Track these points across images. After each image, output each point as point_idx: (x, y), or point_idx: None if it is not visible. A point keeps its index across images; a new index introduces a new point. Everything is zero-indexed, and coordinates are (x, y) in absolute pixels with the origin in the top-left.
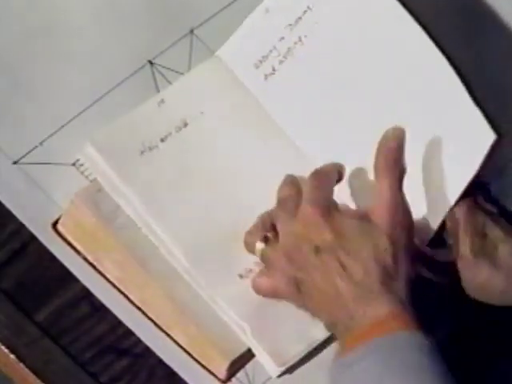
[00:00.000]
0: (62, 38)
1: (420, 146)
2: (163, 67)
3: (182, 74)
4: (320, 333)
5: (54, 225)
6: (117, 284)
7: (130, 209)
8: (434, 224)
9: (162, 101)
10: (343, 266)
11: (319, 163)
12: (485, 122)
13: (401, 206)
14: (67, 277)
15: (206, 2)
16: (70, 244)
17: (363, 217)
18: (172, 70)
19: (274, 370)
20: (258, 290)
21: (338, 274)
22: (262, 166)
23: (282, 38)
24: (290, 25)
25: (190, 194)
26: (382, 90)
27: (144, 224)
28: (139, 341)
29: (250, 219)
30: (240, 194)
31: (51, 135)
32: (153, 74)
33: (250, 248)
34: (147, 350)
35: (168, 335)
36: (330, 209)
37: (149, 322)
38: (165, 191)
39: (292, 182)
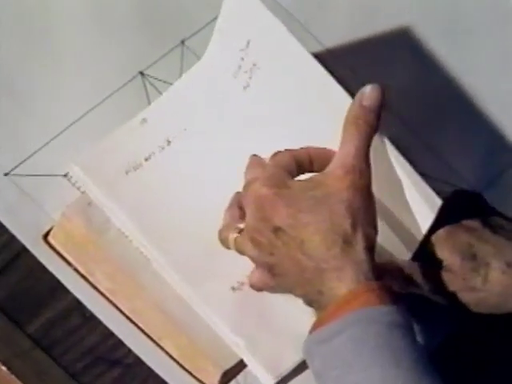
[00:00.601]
0: (53, 50)
1: None
2: (154, 78)
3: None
4: None
5: (45, 236)
6: (108, 295)
7: (120, 224)
8: None
9: (144, 120)
10: (302, 242)
11: None
12: (429, 189)
13: (358, 168)
14: (58, 288)
15: (197, 13)
16: (61, 255)
17: (318, 185)
18: (163, 81)
19: (268, 381)
20: (254, 288)
21: (299, 251)
22: None
23: None
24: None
25: (177, 209)
26: None
27: (134, 238)
28: (130, 351)
29: None
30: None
31: (42, 147)
32: (144, 85)
33: (226, 244)
34: (138, 360)
35: (159, 346)
36: (283, 185)
37: (140, 332)
38: (151, 208)
39: (257, 164)
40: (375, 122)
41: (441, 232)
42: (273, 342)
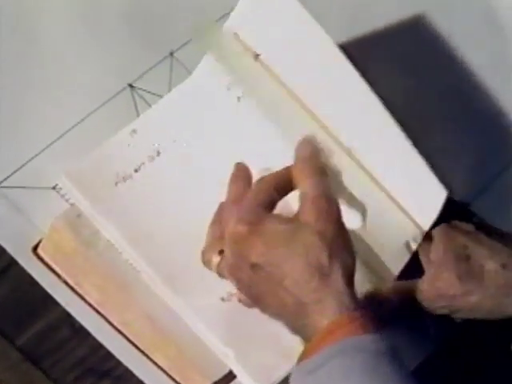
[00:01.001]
0: (42, 61)
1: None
2: (143, 90)
3: (161, 97)
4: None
5: (35, 249)
6: (97, 307)
7: (109, 236)
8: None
9: (134, 131)
10: (281, 278)
11: None
12: (436, 179)
13: (324, 198)
14: (48, 300)
15: (186, 24)
16: (50, 268)
17: (292, 220)
18: (152, 93)
19: None
20: (245, 305)
21: (278, 286)
22: None
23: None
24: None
25: (167, 221)
26: None
27: (123, 250)
28: (120, 363)
29: None
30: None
31: (31, 159)
32: (133, 97)
33: (209, 265)
34: (128, 372)
35: (149, 357)
36: (258, 222)
37: (129, 344)
38: (141, 220)
39: (240, 184)
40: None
41: (435, 232)
42: (262, 353)
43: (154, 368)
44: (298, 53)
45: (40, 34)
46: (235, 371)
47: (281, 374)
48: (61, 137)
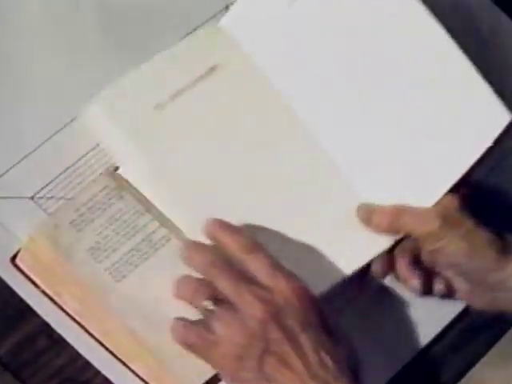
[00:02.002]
0: (19, 71)
1: (429, 123)
2: None
3: None
4: None
5: (13, 259)
6: (76, 317)
7: (134, 170)
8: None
9: (174, 56)
10: None
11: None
12: (499, 102)
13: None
14: (26, 311)
15: (165, 32)
16: (28, 278)
17: None
18: None
19: None
20: None
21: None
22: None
23: None
24: None
25: (200, 156)
26: (392, 74)
27: (148, 186)
28: (99, 372)
29: (258, 183)
30: (249, 158)
31: (9, 169)
32: None
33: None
34: (107, 381)
35: (128, 367)
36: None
37: (108, 353)
38: (172, 150)
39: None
40: None
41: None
42: None
43: (134, 377)
44: None
45: (13, 47)
46: None
47: None
48: (39, 147)
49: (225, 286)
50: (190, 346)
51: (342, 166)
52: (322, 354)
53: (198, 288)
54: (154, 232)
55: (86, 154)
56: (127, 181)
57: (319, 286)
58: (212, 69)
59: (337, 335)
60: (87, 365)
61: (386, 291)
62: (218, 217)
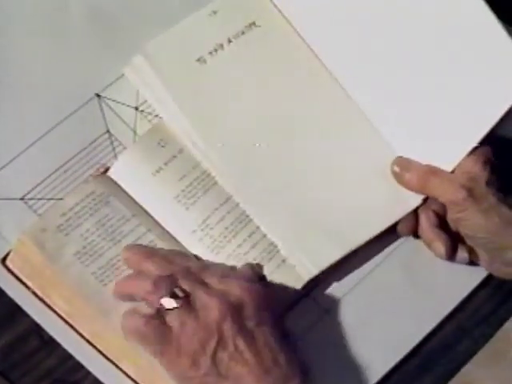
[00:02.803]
0: (8, 72)
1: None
2: (111, 100)
3: (130, 106)
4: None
5: (3, 260)
6: (66, 318)
7: (175, 123)
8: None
9: (214, 12)
10: None
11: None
12: None
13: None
14: (17, 312)
15: (153, 32)
16: (19, 279)
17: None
18: (120, 103)
19: (309, 272)
20: None
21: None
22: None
23: None
24: None
25: (238, 108)
26: (420, 32)
27: (189, 140)
28: (89, 373)
29: (297, 136)
30: (288, 112)
31: None
32: (100, 107)
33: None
34: (97, 382)
35: (118, 367)
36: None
37: (99, 354)
38: (211, 105)
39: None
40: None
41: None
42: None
43: (124, 378)
44: None
45: (4, 47)
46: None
47: (332, 258)
48: (28, 147)
49: (183, 284)
50: (142, 338)
51: (377, 124)
52: (275, 351)
53: (157, 284)
54: (140, 238)
55: (76, 154)
56: (116, 182)
57: (352, 241)
58: (250, 25)
59: (288, 340)
60: (78, 366)
61: (380, 289)
62: (257, 167)
